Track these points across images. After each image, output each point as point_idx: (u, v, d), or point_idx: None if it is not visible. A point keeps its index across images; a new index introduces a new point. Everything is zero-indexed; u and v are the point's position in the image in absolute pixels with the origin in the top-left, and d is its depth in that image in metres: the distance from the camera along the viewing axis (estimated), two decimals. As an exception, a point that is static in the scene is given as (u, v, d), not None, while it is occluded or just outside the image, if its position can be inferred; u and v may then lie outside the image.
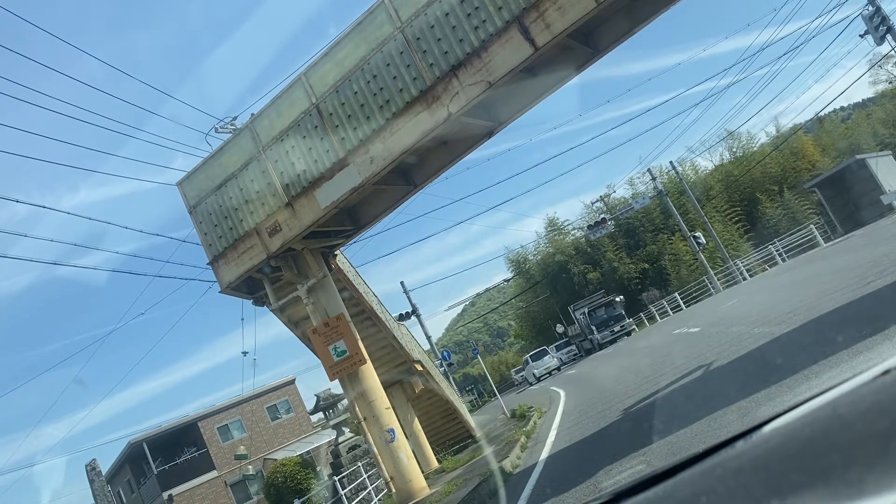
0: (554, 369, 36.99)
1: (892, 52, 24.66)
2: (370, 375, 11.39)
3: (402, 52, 9.85)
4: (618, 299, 35.67)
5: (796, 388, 5.46)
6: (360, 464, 15.93)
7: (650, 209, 39.65)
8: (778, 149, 38.78)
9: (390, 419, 11.37)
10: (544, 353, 39.11)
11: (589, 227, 35.18)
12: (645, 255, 40.83)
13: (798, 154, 39.04)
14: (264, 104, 11.28)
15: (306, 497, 17.48)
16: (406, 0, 9.79)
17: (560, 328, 43.12)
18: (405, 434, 13.64)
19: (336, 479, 14.46)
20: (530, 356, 40.10)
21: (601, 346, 34.73)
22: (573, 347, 41.73)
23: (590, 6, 8.65)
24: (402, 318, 27.55)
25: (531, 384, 35.89)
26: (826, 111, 48.19)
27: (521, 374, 42.06)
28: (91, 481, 28.55)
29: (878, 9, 21.19)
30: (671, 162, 38.84)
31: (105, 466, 33.64)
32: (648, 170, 35.70)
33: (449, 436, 19.09)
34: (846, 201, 26.53)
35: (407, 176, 12.12)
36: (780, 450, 0.67)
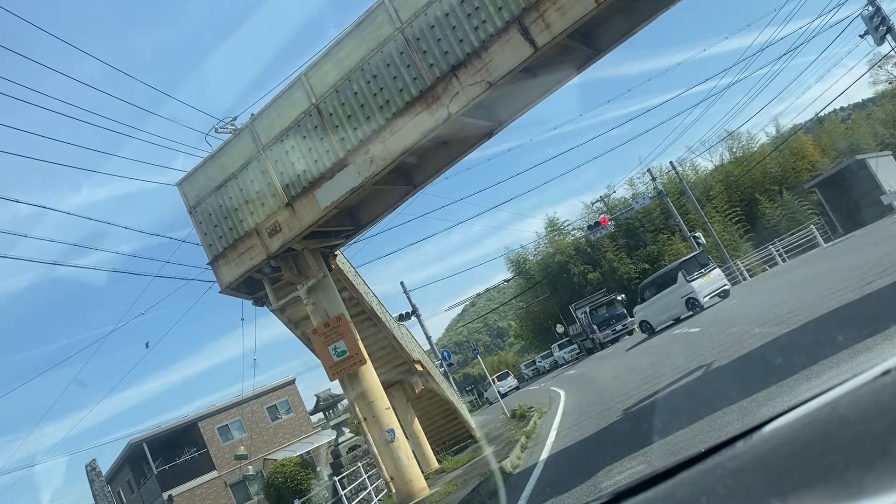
0: (513, 388, 45.35)
1: (892, 52, 24.66)
2: (370, 376, 11.39)
3: (402, 53, 9.85)
4: (619, 298, 35.66)
5: (796, 388, 5.46)
6: (360, 464, 15.93)
7: (650, 209, 39.63)
8: (778, 149, 38.76)
9: (390, 419, 11.37)
10: (507, 374, 48.69)
11: (589, 227, 35.16)
12: (645, 256, 40.80)
13: (798, 154, 39.02)
14: (264, 104, 11.29)
15: (306, 497, 17.47)
16: (406, 0, 9.79)
17: (560, 328, 43.20)
18: (405, 434, 13.64)
19: (336, 479, 14.46)
20: (497, 376, 48.17)
21: (602, 346, 34.75)
22: (575, 346, 41.80)
23: (590, 6, 8.65)
24: (402, 318, 27.55)
25: (491, 403, 41.48)
26: (826, 111, 48.17)
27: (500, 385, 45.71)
28: (91, 481, 28.55)
29: (878, 9, 21.19)
30: (671, 162, 38.81)
31: (105, 466, 33.67)
32: (648, 170, 35.71)
33: (449, 436, 19.09)
34: (846, 201, 26.55)
35: (407, 176, 12.12)
36: (780, 450, 0.67)
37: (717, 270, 21.83)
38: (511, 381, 47.04)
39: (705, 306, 20.65)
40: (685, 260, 23.13)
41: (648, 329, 23.53)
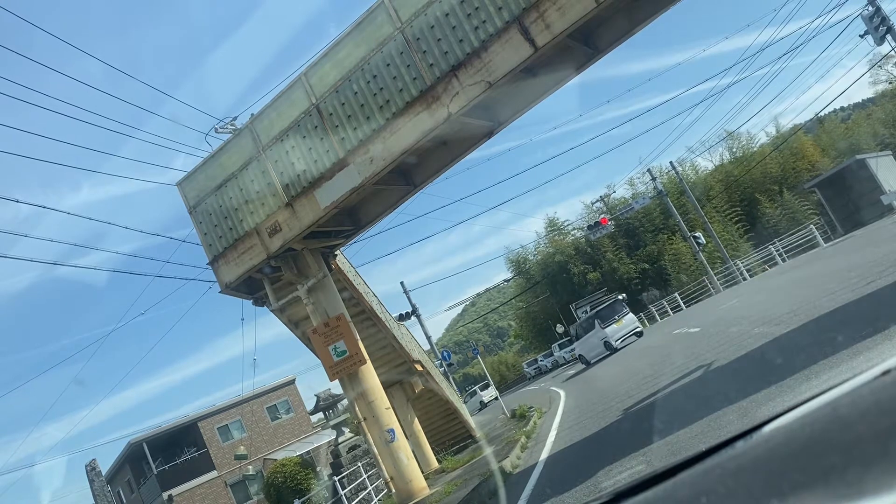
0: (493, 399, 44.86)
1: (892, 52, 24.66)
2: (370, 375, 11.39)
3: (402, 53, 9.85)
4: (620, 297, 35.64)
5: (796, 388, 5.46)
6: (360, 464, 15.93)
7: (650, 209, 39.63)
8: (778, 149, 38.76)
9: (390, 419, 11.37)
10: (488, 384, 47.06)
11: (589, 227, 35.16)
12: (645, 256, 40.82)
13: (798, 154, 39.01)
14: (264, 104, 11.28)
15: (306, 497, 17.48)
16: (406, 0, 9.79)
17: (560, 328, 43.17)
18: (405, 434, 13.64)
19: (336, 479, 14.46)
20: (479, 387, 46.18)
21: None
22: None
23: (590, 6, 8.65)
24: (402, 318, 27.53)
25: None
26: (826, 111, 48.18)
27: (475, 399, 44.43)
28: (91, 481, 28.56)
29: (878, 9, 21.19)
30: (671, 162, 38.83)
31: (105, 466, 33.68)
32: (648, 170, 35.71)
33: (449, 436, 19.08)
34: (846, 201, 26.54)
35: (407, 176, 12.12)
36: (780, 450, 0.67)
37: (630, 315, 25.63)
38: (491, 392, 43.93)
39: (618, 347, 24.43)
40: (602, 308, 26.89)
41: (585, 361, 27.49)
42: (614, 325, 25.03)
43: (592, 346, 26.21)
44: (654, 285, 39.97)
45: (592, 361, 26.24)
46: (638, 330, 25.34)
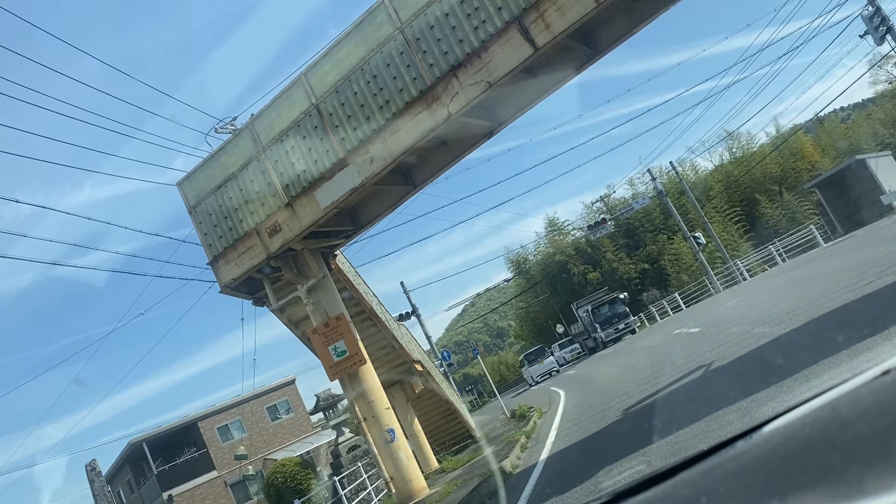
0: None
1: (892, 52, 24.66)
2: (370, 376, 11.39)
3: (401, 53, 9.85)
4: (621, 297, 35.64)
5: (796, 388, 5.46)
6: (360, 464, 15.92)
7: (650, 209, 39.63)
8: (778, 149, 38.76)
9: (390, 419, 11.37)
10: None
11: (589, 227, 35.17)
12: (645, 256, 40.82)
13: (798, 154, 39.01)
14: (264, 104, 11.28)
15: (306, 497, 17.48)
16: (406, 0, 9.79)
17: (560, 328, 43.15)
18: (405, 434, 13.63)
19: (336, 479, 14.46)
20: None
21: (605, 345, 34.69)
22: (576, 346, 41.71)
23: (589, 6, 8.65)
24: (402, 318, 27.52)
25: None
26: (826, 111, 48.22)
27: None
28: (91, 481, 28.53)
29: (878, 9, 21.19)
30: (671, 162, 38.85)
31: (105, 466, 33.65)
32: (648, 170, 35.70)
33: (449, 436, 19.09)
34: (846, 201, 26.53)
35: (407, 176, 12.12)
36: (780, 450, 0.67)
37: (551, 358, 37.87)
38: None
39: (537, 381, 35.86)
40: (529, 352, 40.05)
41: (530, 383, 38.67)
42: (537, 365, 37.41)
43: (530, 375, 38.24)
44: (654, 285, 39.98)
45: (533, 384, 36.82)
46: (555, 369, 36.39)
